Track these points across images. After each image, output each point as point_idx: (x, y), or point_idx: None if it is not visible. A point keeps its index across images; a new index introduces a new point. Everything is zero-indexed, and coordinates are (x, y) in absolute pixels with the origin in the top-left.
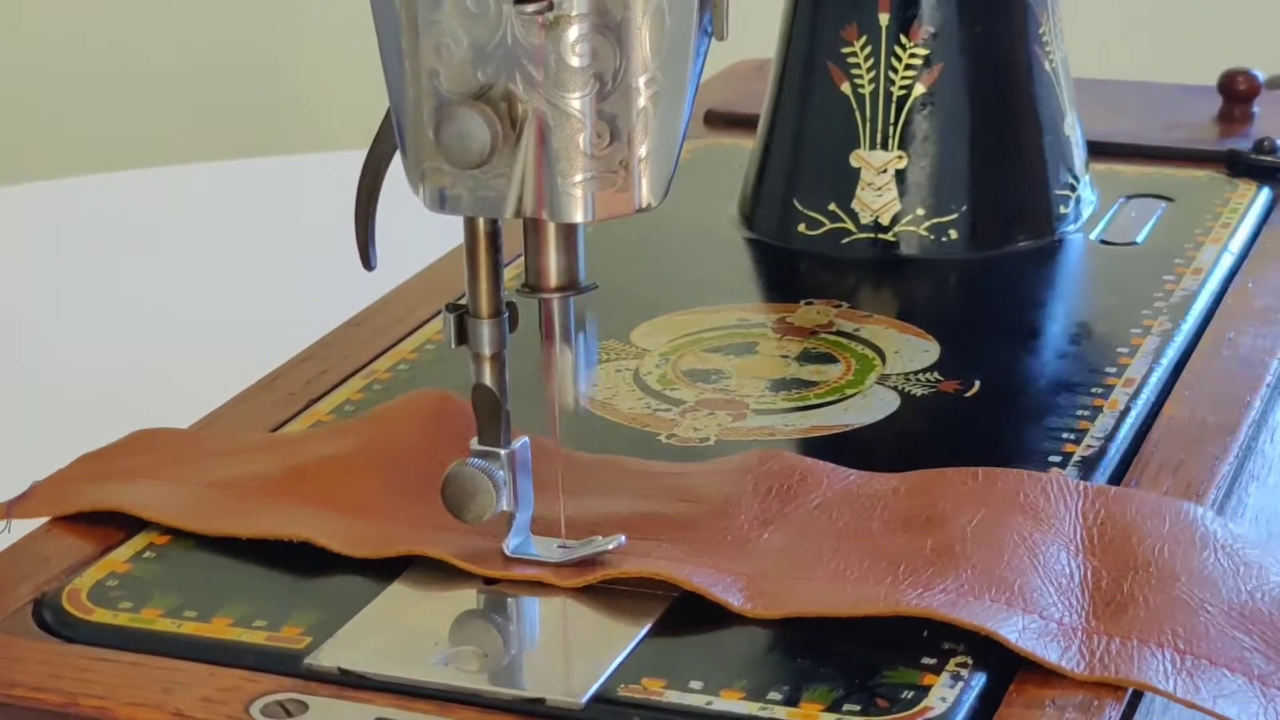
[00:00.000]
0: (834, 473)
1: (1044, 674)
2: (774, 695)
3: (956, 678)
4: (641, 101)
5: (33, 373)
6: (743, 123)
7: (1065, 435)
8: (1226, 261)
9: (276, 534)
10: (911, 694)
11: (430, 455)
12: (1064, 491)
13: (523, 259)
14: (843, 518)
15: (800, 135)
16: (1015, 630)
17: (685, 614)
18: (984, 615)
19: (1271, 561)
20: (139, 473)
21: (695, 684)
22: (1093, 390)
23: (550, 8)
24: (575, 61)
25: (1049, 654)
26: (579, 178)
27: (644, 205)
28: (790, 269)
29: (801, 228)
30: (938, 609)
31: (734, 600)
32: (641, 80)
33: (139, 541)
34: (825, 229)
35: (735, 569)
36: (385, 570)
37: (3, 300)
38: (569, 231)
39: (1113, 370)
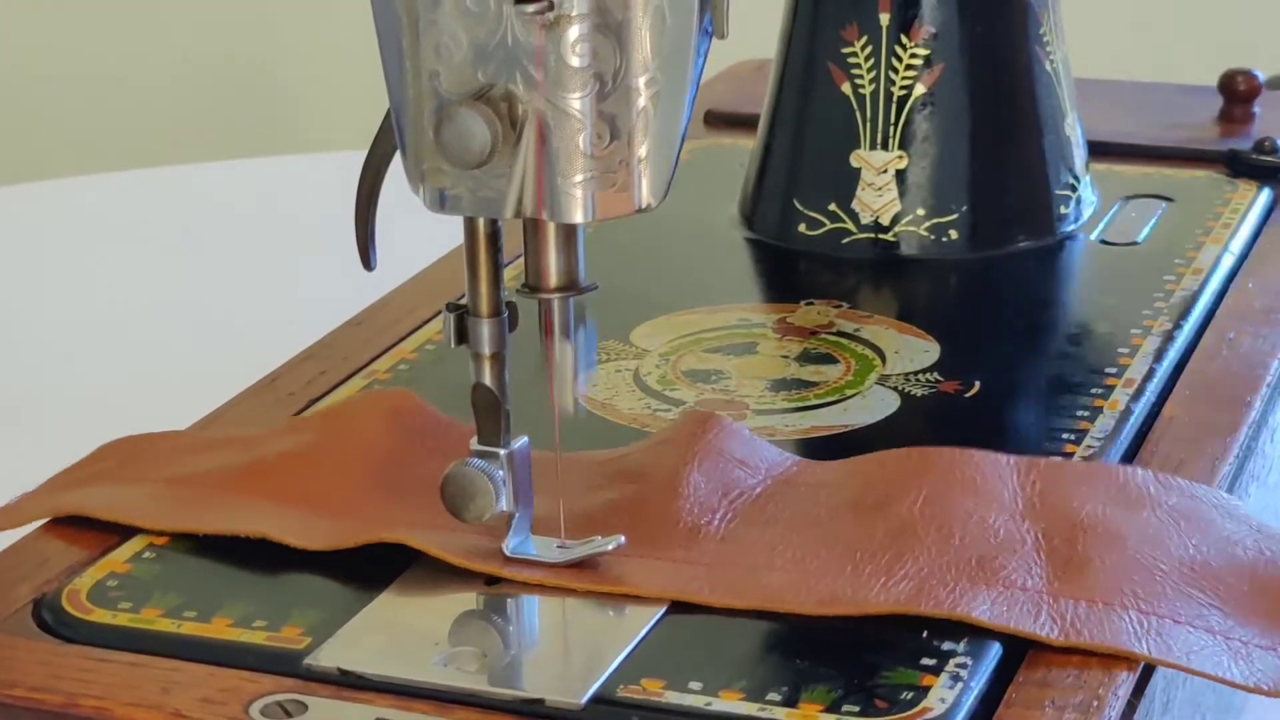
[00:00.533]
0: (772, 460)
1: (1043, 674)
2: (773, 696)
3: (955, 678)
4: (642, 102)
5: (31, 373)
6: (743, 123)
7: (1065, 435)
8: (1227, 262)
9: (233, 530)
10: (911, 695)
11: (389, 452)
12: (998, 465)
13: (523, 259)
14: (789, 505)
15: (801, 135)
16: (985, 607)
17: (685, 615)
18: (951, 600)
19: (1212, 514)
20: (100, 477)
21: (694, 685)
22: (1093, 390)
23: (550, 8)
24: (575, 61)
25: (1023, 624)
26: (579, 178)
27: (644, 205)
28: (790, 269)
29: (802, 228)
30: (904, 602)
31: (702, 591)
32: (642, 80)
33: (138, 542)
34: (825, 229)
35: (694, 559)
36: (384, 571)
37: (1, 300)
38: (569, 232)
39: (1113, 370)
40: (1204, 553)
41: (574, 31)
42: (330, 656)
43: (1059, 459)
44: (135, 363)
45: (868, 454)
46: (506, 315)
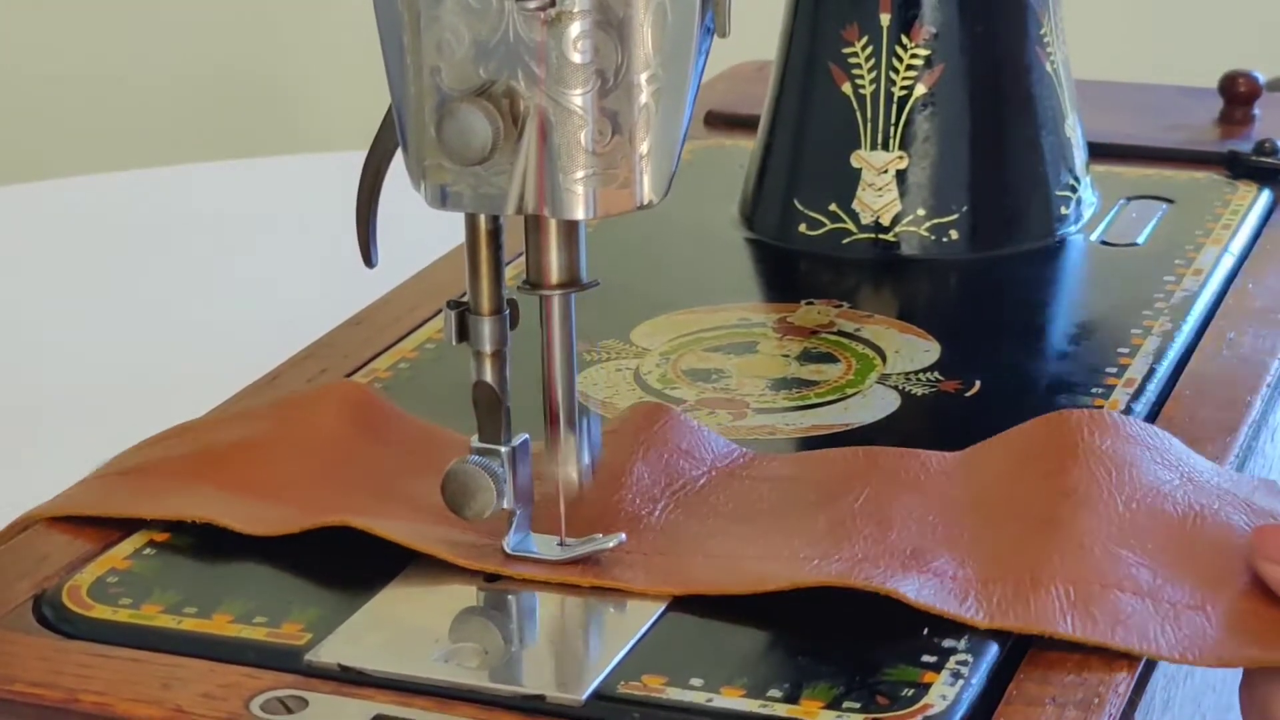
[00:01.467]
0: (719, 452)
1: (1044, 672)
2: (774, 692)
3: (956, 675)
4: (643, 98)
5: (31, 373)
6: (743, 123)
7: None
8: (1227, 263)
9: (179, 515)
10: (911, 691)
11: (340, 442)
12: (943, 462)
13: (523, 258)
14: (733, 497)
15: (801, 135)
16: (914, 588)
17: (686, 611)
18: (881, 576)
19: (1144, 458)
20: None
21: (695, 681)
22: (1093, 390)
23: (552, 4)
24: (577, 58)
25: (948, 606)
26: (580, 174)
27: (645, 202)
28: (791, 269)
29: (802, 228)
30: (835, 575)
31: (636, 580)
32: (643, 77)
33: (139, 538)
34: (826, 229)
35: (631, 549)
36: (385, 567)
37: (3, 299)
38: (570, 228)
39: (1113, 370)
40: (1133, 509)
41: (576, 28)
42: (331, 652)
43: (997, 436)
44: (135, 362)
45: (818, 451)
46: (508, 313)
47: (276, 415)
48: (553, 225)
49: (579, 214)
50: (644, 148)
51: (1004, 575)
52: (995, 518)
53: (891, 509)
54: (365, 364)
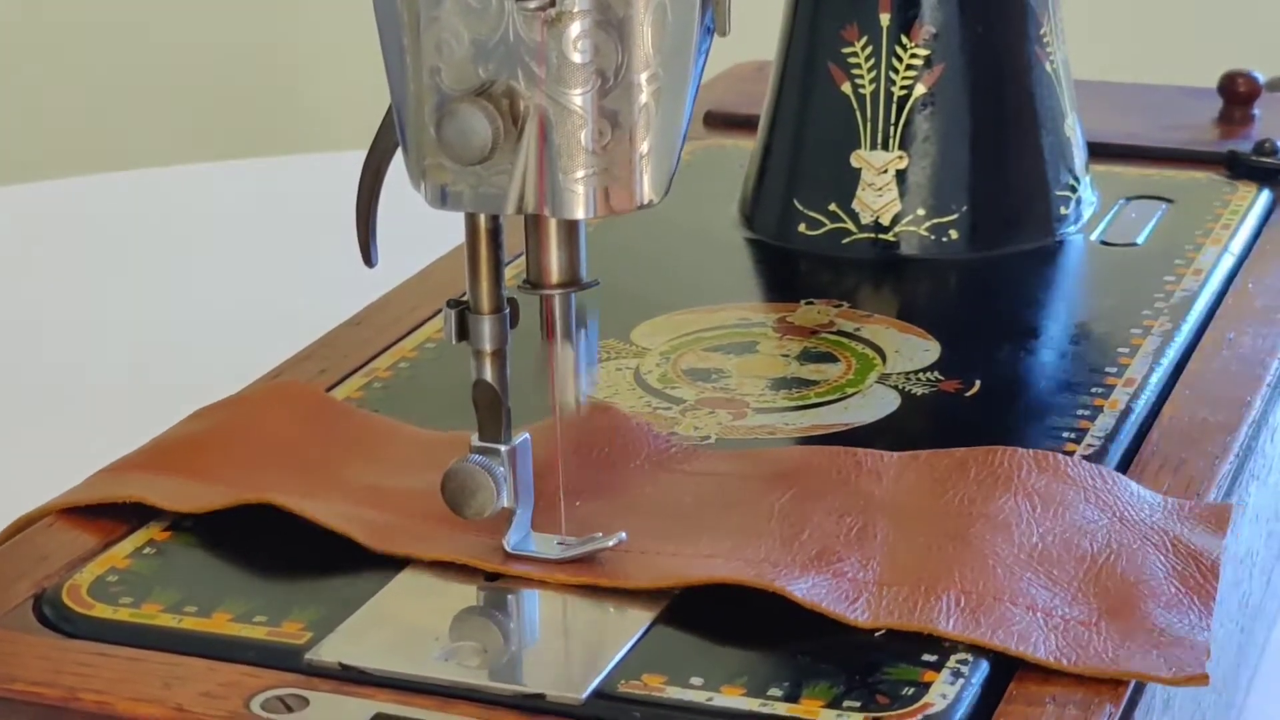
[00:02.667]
0: (654, 447)
1: (1045, 671)
2: (774, 691)
3: (957, 674)
4: (643, 98)
5: (32, 373)
6: (742, 123)
7: (1066, 434)
8: (1227, 262)
9: (109, 498)
10: (912, 690)
11: (283, 435)
12: (876, 462)
13: (523, 258)
14: (660, 491)
15: (801, 135)
16: (805, 587)
17: (686, 610)
18: (773, 575)
19: (1077, 498)
20: None
21: (696, 680)
22: (1093, 390)
23: (552, 4)
24: (577, 58)
25: (837, 606)
26: (580, 174)
27: (646, 201)
28: (790, 269)
29: (802, 228)
30: (728, 574)
31: (534, 572)
32: (643, 76)
33: (139, 538)
34: (826, 229)
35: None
36: (386, 566)
37: (3, 299)
38: (570, 228)
39: (1113, 370)
40: (1048, 541)
41: (575, 28)
42: (331, 651)
43: (942, 450)
44: (135, 363)
45: (758, 449)
46: (508, 312)
47: (225, 410)
48: (553, 225)
49: (579, 213)
50: (644, 147)
51: (903, 580)
52: (911, 526)
53: (813, 508)
54: (365, 364)
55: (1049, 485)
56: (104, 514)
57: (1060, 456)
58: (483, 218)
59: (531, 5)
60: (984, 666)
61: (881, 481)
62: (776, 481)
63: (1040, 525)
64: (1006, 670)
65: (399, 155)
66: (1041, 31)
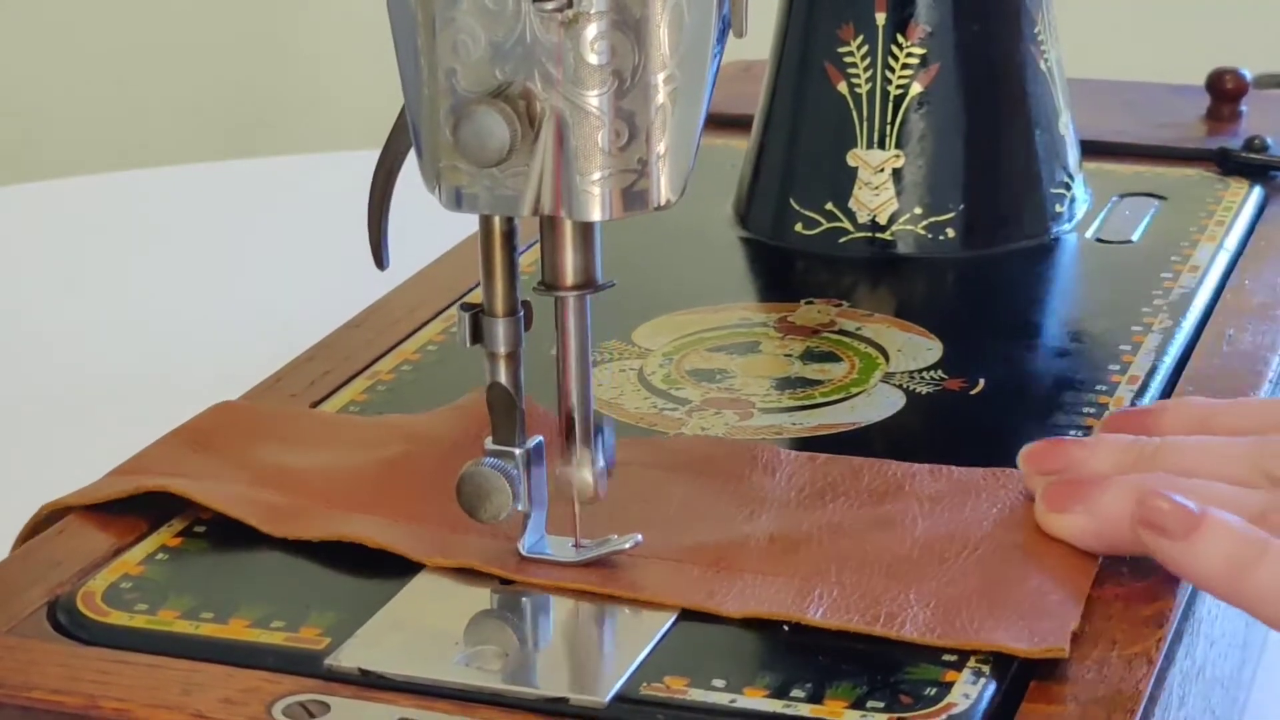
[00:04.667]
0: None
1: (1065, 670)
2: (797, 693)
3: (979, 674)
4: (660, 99)
5: (34, 373)
6: (734, 122)
7: (1072, 432)
8: (1223, 259)
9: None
10: (934, 690)
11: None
12: (774, 459)
13: (525, 253)
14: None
15: (797, 135)
16: (661, 582)
17: (706, 612)
18: (629, 580)
19: (969, 502)
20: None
21: (718, 682)
22: (1097, 387)
23: (569, 5)
24: (594, 59)
25: (694, 598)
26: (597, 175)
27: (663, 202)
28: (788, 268)
29: (798, 227)
30: (595, 583)
31: (433, 557)
32: (660, 78)
33: (151, 543)
34: (822, 228)
35: (458, 529)
36: (400, 570)
37: (3, 300)
38: (586, 229)
39: (1116, 367)
40: (931, 535)
41: (592, 29)
42: (351, 656)
43: (840, 457)
44: (136, 363)
45: (689, 437)
46: (522, 314)
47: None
48: (569, 226)
49: (596, 215)
50: (661, 148)
51: (779, 570)
52: (794, 520)
53: (707, 506)
54: (368, 366)
55: (940, 490)
56: (115, 520)
57: (954, 468)
58: (498, 220)
59: (549, 6)
60: (1005, 666)
61: (774, 478)
62: (675, 474)
63: (926, 521)
64: (1028, 669)
65: (411, 157)
66: (1036, 30)
